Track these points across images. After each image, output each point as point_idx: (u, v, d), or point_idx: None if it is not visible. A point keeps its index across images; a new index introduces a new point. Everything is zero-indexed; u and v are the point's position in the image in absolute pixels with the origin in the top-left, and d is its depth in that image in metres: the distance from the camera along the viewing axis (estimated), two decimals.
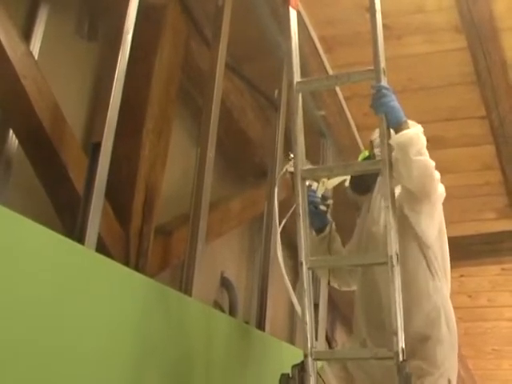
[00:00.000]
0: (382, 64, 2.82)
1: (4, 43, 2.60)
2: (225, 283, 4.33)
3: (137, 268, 2.96)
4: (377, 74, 2.81)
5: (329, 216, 3.14)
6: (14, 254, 2.02)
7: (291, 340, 5.15)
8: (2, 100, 2.74)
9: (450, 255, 3.02)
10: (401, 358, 2.45)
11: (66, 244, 2.28)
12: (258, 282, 3.72)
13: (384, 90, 2.74)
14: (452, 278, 3.00)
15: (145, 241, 3.08)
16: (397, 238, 2.60)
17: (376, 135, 3.03)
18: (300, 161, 2.82)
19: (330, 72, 4.68)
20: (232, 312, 4.27)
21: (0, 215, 2.00)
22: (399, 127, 2.73)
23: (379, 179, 3.00)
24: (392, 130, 2.72)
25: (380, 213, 2.97)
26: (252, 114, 4.30)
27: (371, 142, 3.13)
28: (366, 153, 3.13)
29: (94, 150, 2.59)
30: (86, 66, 3.46)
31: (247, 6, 4.00)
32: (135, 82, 3.03)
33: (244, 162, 4.52)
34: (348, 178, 3.06)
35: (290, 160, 2.85)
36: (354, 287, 3.11)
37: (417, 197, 2.79)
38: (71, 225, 2.60)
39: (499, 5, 4.10)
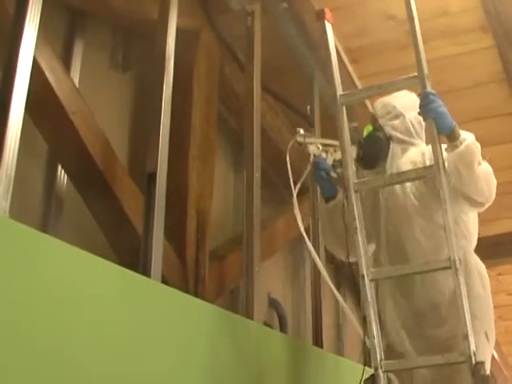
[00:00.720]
0: (426, 70, 2.83)
1: (50, 79, 2.60)
2: (273, 304, 4.31)
3: (196, 295, 2.95)
4: (421, 80, 2.81)
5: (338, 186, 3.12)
6: (87, 292, 2.02)
7: (339, 352, 5.12)
8: (51, 137, 2.74)
9: (487, 254, 3.06)
10: (474, 361, 2.43)
11: (134, 278, 2.27)
12: (312, 300, 3.70)
13: (431, 96, 2.74)
14: (490, 276, 3.00)
15: (201, 268, 3.07)
16: (456, 242, 2.61)
17: (378, 107, 3.10)
18: (351, 173, 2.82)
19: (357, 83, 4.69)
20: (282, 332, 4.24)
21: (72, 254, 2.00)
22: (452, 134, 2.73)
23: (390, 156, 3.02)
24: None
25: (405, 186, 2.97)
26: (288, 132, 4.29)
27: (373, 115, 3.14)
28: (370, 127, 3.12)
29: (149, 180, 2.58)
30: (122, 97, 3.46)
31: (273, 22, 4.00)
32: (175, 109, 3.03)
33: (283, 181, 4.50)
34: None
35: (298, 132, 3.01)
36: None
37: (478, 202, 2.81)
38: (130, 261, 2.58)
39: None
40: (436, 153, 2.69)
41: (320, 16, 3.02)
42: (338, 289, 4.00)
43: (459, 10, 4.17)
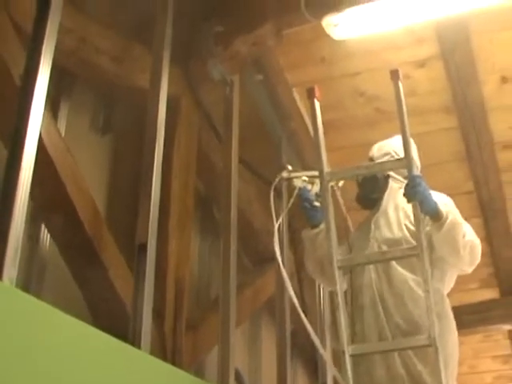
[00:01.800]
0: (412, 153, 2.93)
1: (45, 140, 2.56)
2: (238, 378, 4.26)
3: (174, 365, 2.92)
4: (408, 162, 2.89)
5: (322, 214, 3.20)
6: (84, 366, 1.99)
7: None
8: (40, 197, 2.69)
9: None
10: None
11: (125, 349, 2.25)
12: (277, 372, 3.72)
13: (418, 179, 2.83)
14: None
15: (178, 338, 3.04)
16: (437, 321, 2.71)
17: (375, 150, 3.35)
18: (335, 250, 2.87)
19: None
20: None
21: (72, 325, 1.98)
22: (436, 215, 2.84)
23: (387, 194, 3.21)
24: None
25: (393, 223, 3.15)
26: (257, 203, 4.32)
27: (370, 158, 3.33)
28: None
29: (139, 251, 2.58)
30: (100, 160, 3.45)
31: (247, 92, 4.06)
32: None
33: (248, 251, 4.54)
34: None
35: (285, 169, 3.25)
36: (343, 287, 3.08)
37: (463, 270, 2.96)
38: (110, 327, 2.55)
39: (488, 86, 4.27)
40: (420, 234, 2.78)
41: (310, 94, 3.09)
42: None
43: (427, 91, 4.32)
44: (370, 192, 3.26)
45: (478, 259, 3.09)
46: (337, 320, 2.87)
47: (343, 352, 2.78)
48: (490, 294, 5.89)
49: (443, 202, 3.02)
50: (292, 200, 3.31)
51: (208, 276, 4.13)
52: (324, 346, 4.44)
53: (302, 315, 3.03)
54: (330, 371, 3.04)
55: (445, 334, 2.98)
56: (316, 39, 4.08)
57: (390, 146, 3.27)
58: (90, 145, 3.40)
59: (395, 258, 3.01)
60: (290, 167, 3.33)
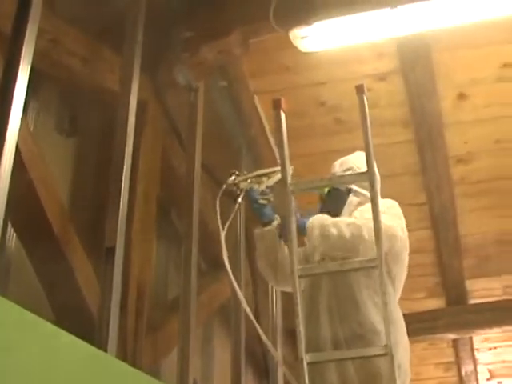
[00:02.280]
0: (374, 168, 3.00)
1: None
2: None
3: (134, 366, 2.94)
4: (370, 176, 2.96)
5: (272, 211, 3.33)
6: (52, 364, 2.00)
7: None
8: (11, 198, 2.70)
9: None
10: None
11: (93, 353, 2.27)
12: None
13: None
14: None
15: (139, 340, 3.07)
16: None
17: (337, 166, 3.40)
18: (296, 259, 2.92)
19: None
20: None
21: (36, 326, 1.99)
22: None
23: (345, 208, 3.27)
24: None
25: None
26: (214, 207, 4.34)
27: (333, 174, 3.37)
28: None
29: (107, 254, 2.60)
30: (64, 161, 3.45)
31: (210, 96, 4.09)
32: None
33: (205, 255, 4.56)
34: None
35: (231, 175, 3.28)
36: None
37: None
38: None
39: (446, 102, 4.39)
40: (379, 246, 2.86)
41: (276, 105, 3.13)
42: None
43: (386, 104, 4.41)
44: (335, 203, 3.29)
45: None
46: (296, 328, 2.93)
47: (301, 359, 2.84)
48: (437, 303, 6.04)
49: (387, 205, 3.11)
50: (238, 204, 3.35)
51: (165, 280, 4.16)
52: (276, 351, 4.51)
53: (254, 320, 3.12)
54: (286, 374, 3.09)
55: (397, 340, 3.07)
56: (281, 48, 4.13)
57: (351, 162, 3.34)
58: (55, 146, 3.39)
59: (354, 270, 3.08)
60: (236, 172, 3.36)
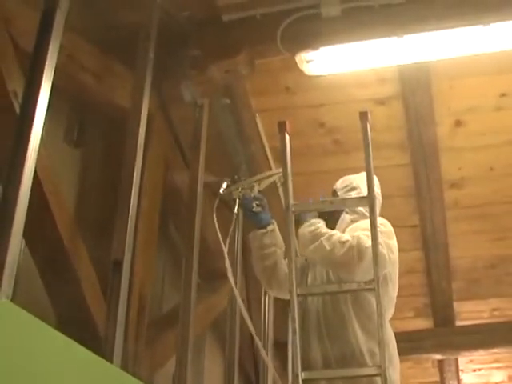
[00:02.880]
0: (375, 192, 3.10)
1: None
2: None
3: (134, 375, 3.01)
4: (371, 201, 3.06)
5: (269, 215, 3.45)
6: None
7: None
8: None
9: None
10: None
11: (99, 363, 2.34)
12: None
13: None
14: None
15: (139, 352, 3.13)
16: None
17: (339, 182, 3.50)
18: (294, 279, 3.00)
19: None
20: None
21: (63, 343, 2.06)
22: None
23: (338, 225, 3.33)
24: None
25: None
26: (211, 220, 4.40)
27: (334, 189, 3.49)
28: None
29: (114, 267, 2.67)
30: (71, 172, 3.51)
31: (213, 112, 4.17)
32: None
33: (201, 267, 4.62)
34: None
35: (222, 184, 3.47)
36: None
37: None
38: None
39: (443, 128, 4.49)
40: (376, 268, 2.94)
41: (281, 127, 3.22)
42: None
43: (384, 127, 4.50)
44: (327, 220, 3.37)
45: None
46: (292, 345, 3.01)
47: (297, 375, 2.93)
48: (424, 323, 6.13)
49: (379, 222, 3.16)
50: (235, 215, 3.50)
51: (160, 292, 4.22)
52: (266, 365, 4.58)
53: (251, 326, 3.20)
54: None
55: (389, 360, 3.15)
56: (283, 69, 4.24)
57: (352, 179, 3.42)
58: (63, 156, 3.46)
59: (351, 291, 3.16)
60: (225, 183, 3.51)
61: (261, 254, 3.40)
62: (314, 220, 3.23)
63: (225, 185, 3.49)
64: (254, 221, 3.43)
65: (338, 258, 3.08)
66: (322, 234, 3.15)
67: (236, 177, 3.55)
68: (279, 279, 3.38)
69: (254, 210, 3.40)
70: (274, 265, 3.38)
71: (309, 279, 3.35)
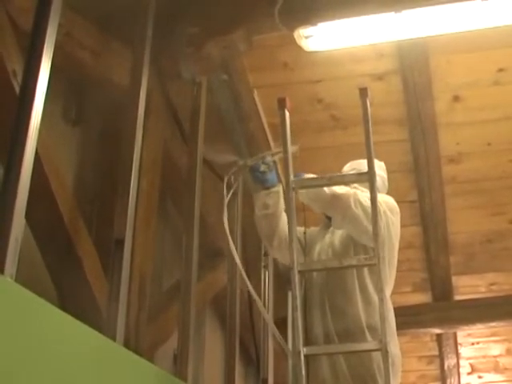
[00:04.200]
0: (375, 168, 3.10)
1: None
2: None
3: (137, 352, 3.02)
4: (370, 177, 3.06)
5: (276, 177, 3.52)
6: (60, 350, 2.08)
7: None
8: None
9: None
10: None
11: (102, 341, 2.35)
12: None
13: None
14: None
15: (141, 329, 3.15)
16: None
17: (346, 166, 3.62)
18: (296, 257, 3.01)
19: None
20: None
21: (67, 322, 2.07)
22: None
23: None
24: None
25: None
26: (211, 198, 4.41)
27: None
28: None
29: (116, 246, 2.67)
30: (69, 151, 3.51)
31: (210, 88, 4.15)
32: None
33: (201, 245, 4.63)
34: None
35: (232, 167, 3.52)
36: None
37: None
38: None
39: (441, 103, 4.49)
40: (377, 244, 2.96)
41: (281, 104, 3.22)
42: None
43: (382, 103, 4.49)
44: None
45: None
46: (294, 321, 3.03)
47: (299, 352, 2.94)
48: (423, 298, 6.16)
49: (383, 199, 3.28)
50: (239, 183, 3.68)
51: (160, 268, 4.22)
52: (266, 341, 4.61)
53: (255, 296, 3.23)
54: (276, 336, 3.24)
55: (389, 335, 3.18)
56: (281, 45, 4.22)
57: (359, 163, 3.42)
58: (61, 135, 3.44)
59: (351, 267, 3.18)
60: (240, 162, 3.57)
61: (263, 213, 3.46)
62: None
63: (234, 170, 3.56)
64: (260, 182, 3.46)
65: (336, 195, 3.20)
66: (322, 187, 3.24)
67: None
68: (280, 239, 3.43)
69: (261, 169, 3.43)
70: (276, 225, 3.44)
71: (314, 254, 3.37)
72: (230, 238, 3.33)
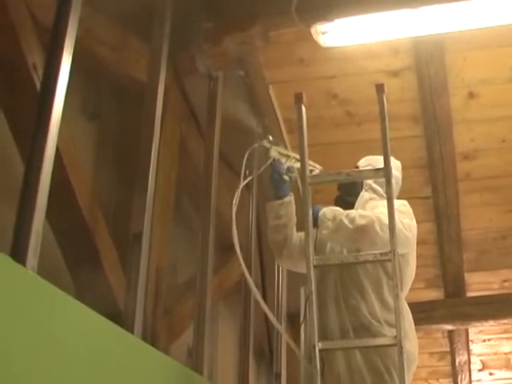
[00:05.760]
0: (391, 164, 3.11)
1: None
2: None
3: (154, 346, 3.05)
4: (386, 173, 3.06)
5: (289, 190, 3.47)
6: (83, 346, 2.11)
7: None
8: None
9: None
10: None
11: (121, 334, 2.37)
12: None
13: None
14: None
15: (157, 321, 3.17)
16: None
17: (363, 161, 3.58)
18: (311, 251, 3.02)
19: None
20: None
21: (85, 314, 2.10)
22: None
23: (357, 202, 3.42)
24: None
25: None
26: (226, 193, 4.42)
27: (356, 166, 3.55)
28: None
29: (133, 240, 2.70)
30: (86, 145, 3.53)
31: (226, 83, 4.17)
32: None
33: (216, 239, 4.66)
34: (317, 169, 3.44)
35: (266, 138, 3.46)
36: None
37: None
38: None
39: (456, 100, 4.49)
40: (392, 240, 2.96)
41: (298, 99, 3.23)
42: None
43: (397, 99, 4.49)
44: (347, 194, 3.43)
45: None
46: (309, 316, 3.05)
47: (314, 346, 2.96)
48: (435, 294, 6.16)
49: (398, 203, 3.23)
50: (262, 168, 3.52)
51: (175, 262, 4.25)
52: (279, 335, 4.62)
53: (259, 297, 3.24)
54: (289, 343, 3.27)
55: (405, 331, 3.19)
56: (296, 41, 4.23)
57: (376, 159, 3.43)
58: (79, 128, 3.47)
59: (367, 262, 3.19)
60: (270, 138, 3.52)
61: (275, 223, 3.43)
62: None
63: (270, 138, 3.51)
64: (277, 186, 3.42)
65: (360, 227, 3.13)
66: (341, 214, 3.20)
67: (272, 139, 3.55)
68: (290, 250, 3.42)
69: (283, 176, 3.41)
70: (285, 236, 3.41)
71: (327, 250, 3.38)
72: (234, 223, 3.32)
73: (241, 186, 3.37)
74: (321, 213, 3.23)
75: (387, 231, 3.02)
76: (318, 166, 3.46)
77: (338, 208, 3.30)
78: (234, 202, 3.33)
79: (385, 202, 3.02)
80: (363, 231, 3.16)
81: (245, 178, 3.42)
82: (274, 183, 3.43)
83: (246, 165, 3.47)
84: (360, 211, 3.26)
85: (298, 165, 3.35)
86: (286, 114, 4.72)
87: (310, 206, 3.10)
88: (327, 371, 3.16)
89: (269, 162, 3.46)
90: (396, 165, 3.48)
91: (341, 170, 3.25)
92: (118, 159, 3.55)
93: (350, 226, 3.16)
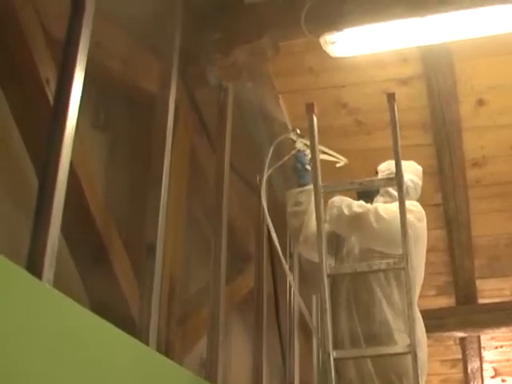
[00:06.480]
0: (402, 173, 3.12)
1: None
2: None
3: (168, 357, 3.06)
4: (398, 181, 3.08)
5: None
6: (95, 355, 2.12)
7: None
8: None
9: None
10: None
11: (136, 346, 2.38)
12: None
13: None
14: None
15: (171, 332, 3.18)
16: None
17: (383, 164, 3.69)
18: (325, 262, 3.04)
19: None
20: None
21: (101, 327, 2.11)
22: None
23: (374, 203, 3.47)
24: None
25: None
26: (237, 203, 4.44)
27: (376, 170, 3.69)
28: None
29: (148, 251, 2.71)
30: (98, 157, 3.55)
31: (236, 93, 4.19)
32: None
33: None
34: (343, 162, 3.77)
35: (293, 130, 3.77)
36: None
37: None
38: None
39: (465, 107, 4.50)
40: (405, 248, 2.97)
41: (309, 109, 3.25)
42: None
43: (406, 107, 4.50)
44: (366, 196, 3.46)
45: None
46: (322, 324, 3.06)
47: (328, 355, 2.97)
48: (447, 301, 6.16)
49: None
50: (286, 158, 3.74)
51: (188, 272, 4.26)
52: (292, 344, 4.62)
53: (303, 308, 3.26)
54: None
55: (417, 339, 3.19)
56: (306, 50, 4.24)
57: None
58: (90, 141, 3.49)
59: (381, 271, 3.20)
60: (298, 131, 3.79)
61: (294, 210, 3.60)
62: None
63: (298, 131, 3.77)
64: (299, 175, 3.65)
65: (355, 215, 3.27)
66: (345, 202, 3.33)
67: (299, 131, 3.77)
68: (306, 235, 3.55)
69: (306, 166, 3.61)
70: (302, 222, 3.56)
71: (344, 251, 3.42)
72: (267, 216, 3.53)
73: (266, 174, 3.61)
74: (330, 200, 3.32)
75: (384, 225, 3.07)
76: (342, 158, 3.57)
77: (348, 198, 3.36)
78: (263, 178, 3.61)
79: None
80: (358, 219, 3.28)
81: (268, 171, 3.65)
82: (296, 172, 3.65)
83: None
84: (362, 202, 3.31)
85: (322, 156, 3.52)
86: (296, 124, 4.72)
87: (322, 214, 3.12)
88: (338, 378, 3.17)
89: (293, 152, 3.69)
90: (417, 172, 3.51)
91: (353, 180, 3.27)
92: (129, 171, 3.56)
93: (347, 213, 3.28)
